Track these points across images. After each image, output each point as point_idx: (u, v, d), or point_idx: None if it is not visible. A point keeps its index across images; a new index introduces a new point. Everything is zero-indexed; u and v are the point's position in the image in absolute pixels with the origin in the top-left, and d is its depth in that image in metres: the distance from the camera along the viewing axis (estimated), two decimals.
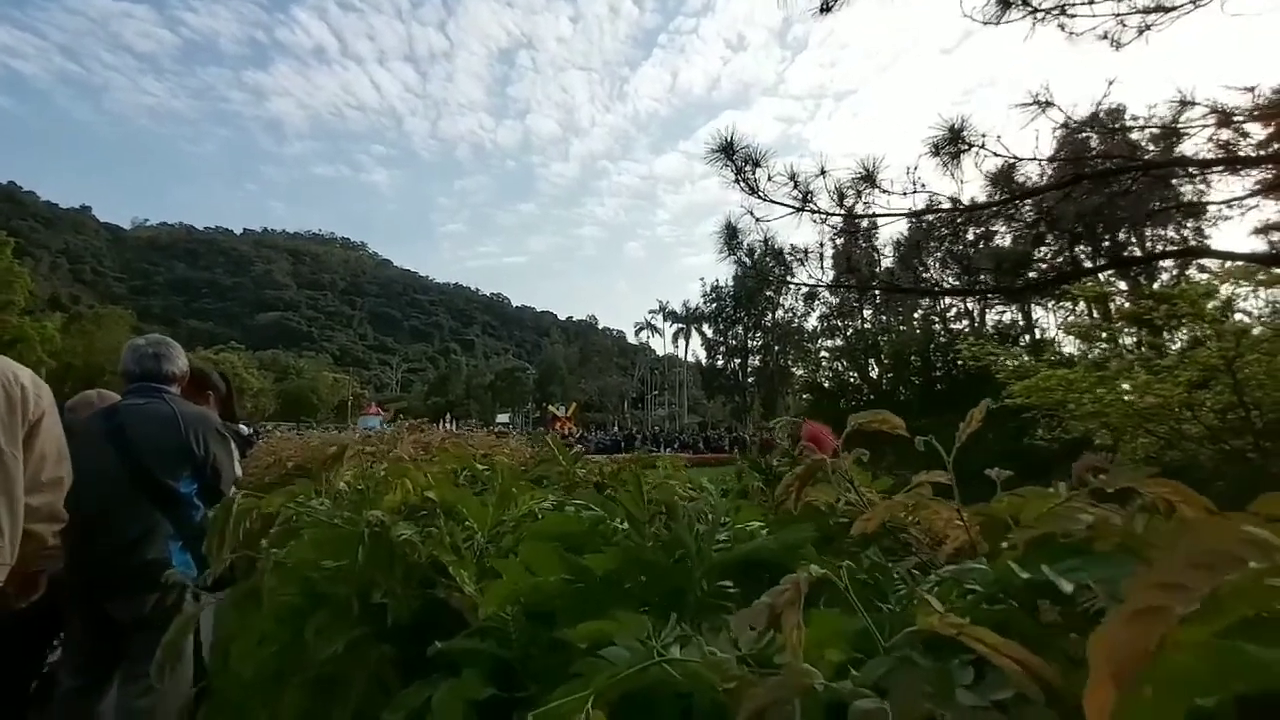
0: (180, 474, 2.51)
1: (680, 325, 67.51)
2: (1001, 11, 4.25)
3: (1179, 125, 4.26)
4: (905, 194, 3.96)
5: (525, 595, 0.76)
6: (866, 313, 43.58)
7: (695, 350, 62.45)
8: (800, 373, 49.89)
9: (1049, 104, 4.47)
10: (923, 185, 3.96)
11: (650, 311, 72.32)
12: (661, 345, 75.34)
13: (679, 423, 66.52)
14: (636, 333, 76.13)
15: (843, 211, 4.08)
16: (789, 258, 4.87)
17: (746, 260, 4.77)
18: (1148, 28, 4.12)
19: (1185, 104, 4.10)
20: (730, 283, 55.21)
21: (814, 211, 4.05)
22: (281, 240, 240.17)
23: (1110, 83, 4.53)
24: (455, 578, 0.88)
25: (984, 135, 3.87)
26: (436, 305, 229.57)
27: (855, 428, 0.89)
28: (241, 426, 3.46)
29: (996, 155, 3.88)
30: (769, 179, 3.96)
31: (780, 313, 52.45)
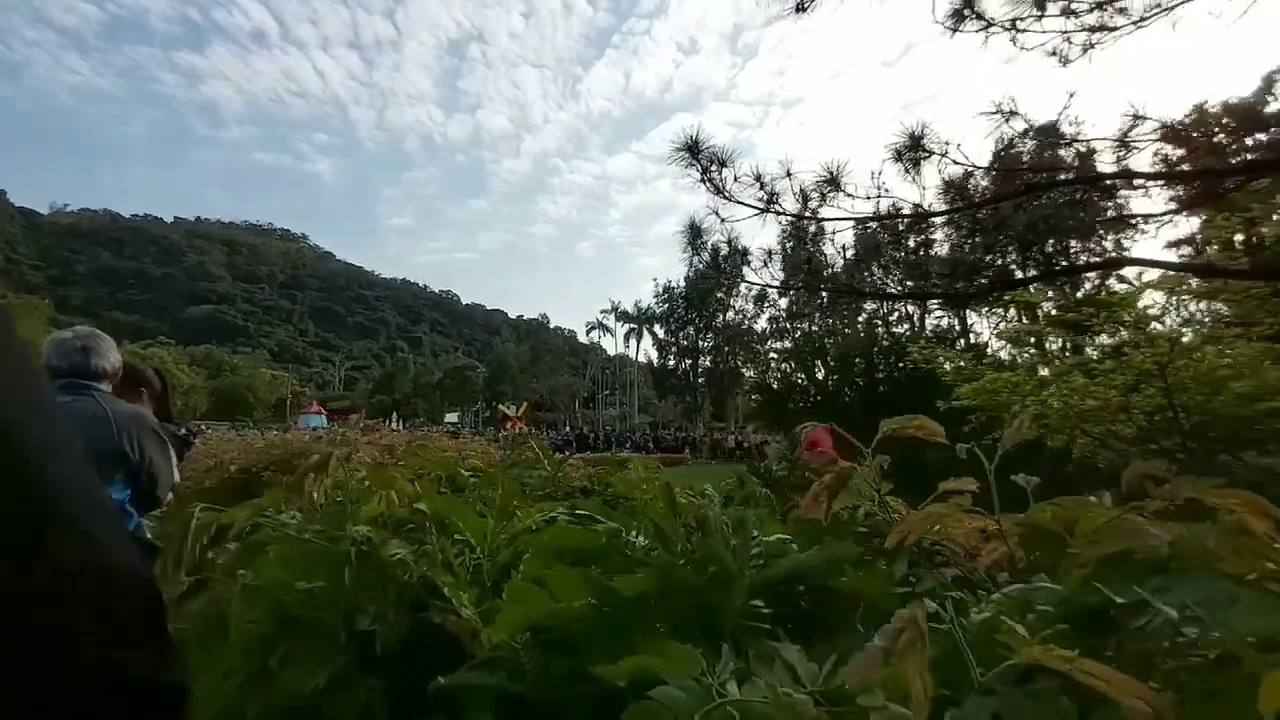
0: (112, 479, 2.30)
1: (632, 325, 67.62)
2: (957, 23, 4.37)
3: (1124, 139, 4.47)
4: (869, 198, 4.03)
5: (541, 621, 0.68)
6: (814, 316, 44.60)
7: (647, 350, 62.70)
8: (750, 374, 50.77)
9: (1012, 113, 4.61)
10: (886, 190, 4.03)
11: (602, 311, 72.16)
12: (613, 345, 75.31)
13: (630, 422, 66.56)
14: (588, 332, 75.81)
15: (808, 214, 4.11)
16: (753, 259, 4.85)
17: (709, 260, 4.75)
18: (1092, 46, 4.29)
19: (1137, 118, 4.30)
20: (682, 284, 55.64)
21: (779, 213, 4.06)
22: (216, 230, 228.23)
23: (1071, 94, 4.74)
24: (452, 600, 0.79)
25: (947, 144, 3.97)
26: (382, 301, 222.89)
27: (888, 434, 0.84)
28: (179, 428, 3.21)
29: (957, 164, 3.99)
30: (735, 179, 3.95)
31: (731, 314, 53.18)
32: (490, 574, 0.82)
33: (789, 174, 3.96)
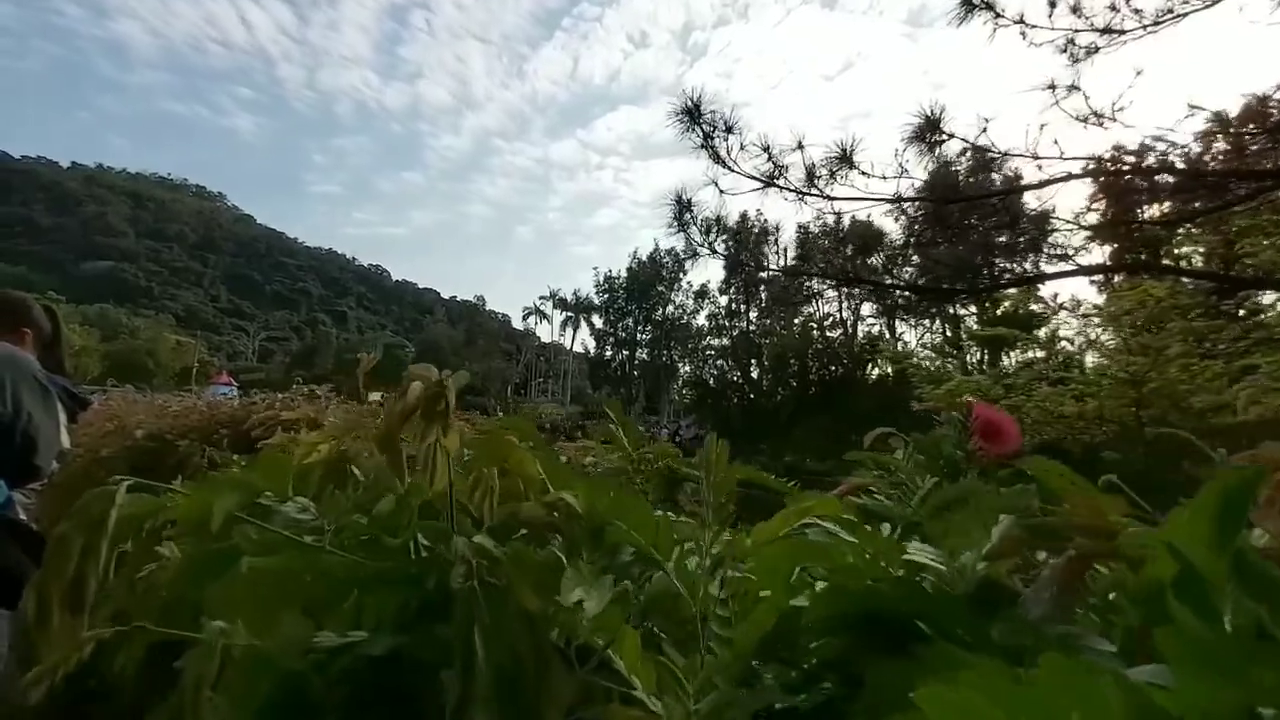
0: None
1: (569, 313, 66.87)
2: (966, 12, 4.22)
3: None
4: (885, 178, 3.80)
5: None
6: (752, 315, 45.37)
7: (584, 339, 62.13)
8: (686, 368, 51.17)
9: (940, 130, 4.50)
10: (906, 170, 3.83)
11: (541, 298, 71.04)
12: (549, 332, 74.25)
13: (563, 410, 65.87)
14: (524, 318, 74.45)
15: (816, 191, 3.84)
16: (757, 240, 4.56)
17: (697, 238, 4.42)
18: (1097, 49, 4.23)
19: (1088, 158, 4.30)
20: (624, 275, 55.38)
21: (786, 189, 3.77)
22: (120, 180, 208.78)
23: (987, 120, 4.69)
24: (637, 686, 0.40)
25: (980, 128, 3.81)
26: (305, 271, 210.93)
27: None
28: (74, 384, 2.57)
29: (986, 151, 3.85)
30: (741, 148, 3.63)
31: (671, 309, 53.34)
32: (730, 652, 0.43)
33: (800, 145, 3.68)
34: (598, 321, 58.44)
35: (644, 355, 54.47)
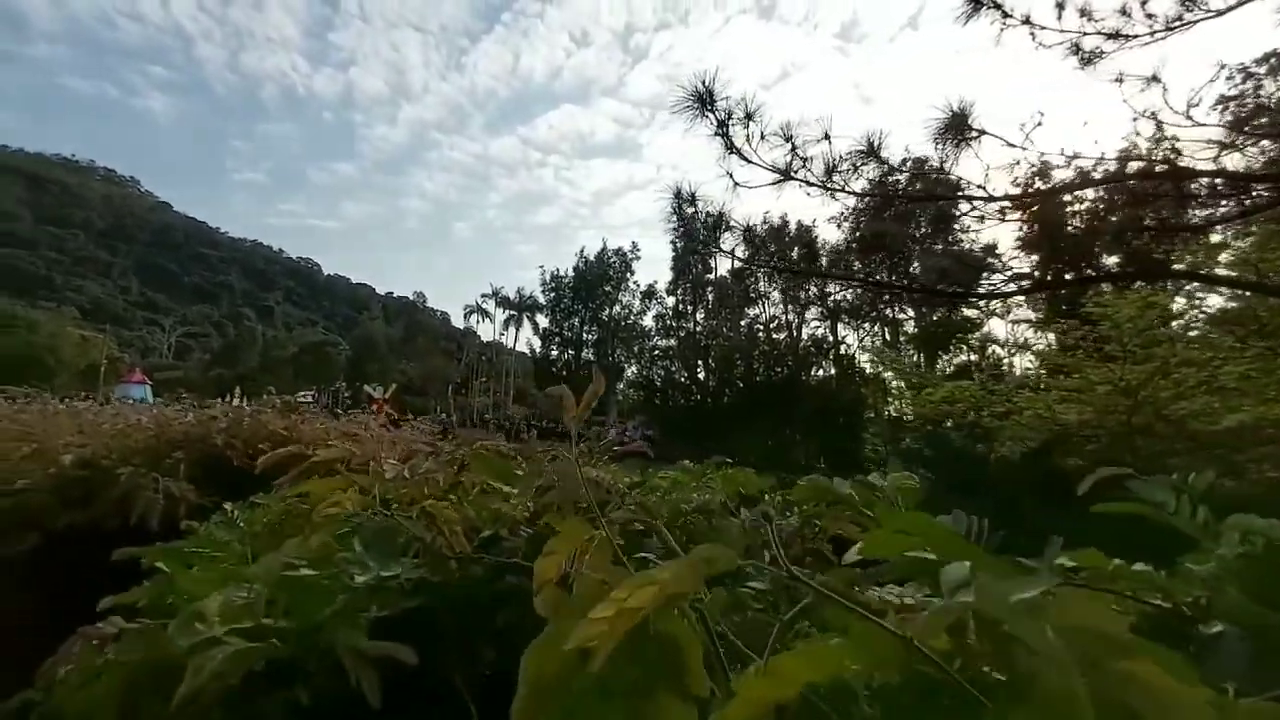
0: None
1: (512, 312, 65.65)
2: (974, 10, 4.16)
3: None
4: (910, 172, 3.67)
5: None
6: (699, 316, 45.69)
7: (529, 339, 61.11)
8: (633, 369, 51.03)
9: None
10: (935, 168, 3.70)
11: (482, 295, 69.44)
12: (490, 331, 72.68)
13: (504, 411, 64.56)
14: (466, 316, 72.50)
15: (837, 185, 3.66)
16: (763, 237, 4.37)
17: (701, 231, 4.16)
18: (1102, 54, 4.24)
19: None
20: (570, 274, 54.82)
21: (808, 183, 3.57)
22: (17, 160, 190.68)
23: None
24: None
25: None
26: (228, 263, 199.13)
27: None
28: None
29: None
30: (762, 137, 3.40)
31: (617, 308, 53.13)
32: None
33: (827, 136, 3.48)
34: (543, 321, 57.63)
35: (590, 355, 54.04)
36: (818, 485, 1.18)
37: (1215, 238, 6.29)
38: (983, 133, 3.65)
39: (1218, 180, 5.42)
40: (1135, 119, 4.34)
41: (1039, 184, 5.33)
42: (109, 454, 1.99)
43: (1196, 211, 6.30)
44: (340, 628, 0.68)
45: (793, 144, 3.45)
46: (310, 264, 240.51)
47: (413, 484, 1.02)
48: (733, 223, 4.17)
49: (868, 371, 37.86)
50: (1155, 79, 4.33)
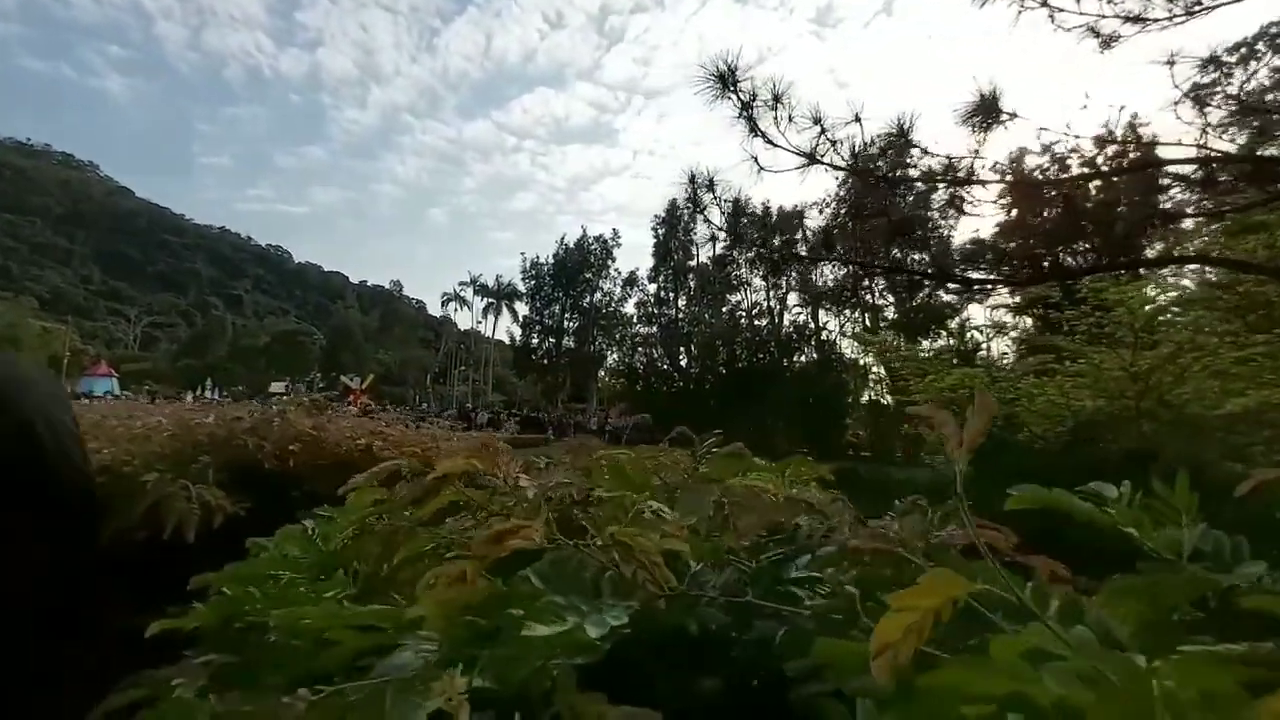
0: None
1: (491, 300, 64.88)
2: None
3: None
4: (942, 158, 3.58)
5: None
6: (681, 302, 45.59)
7: (509, 327, 60.47)
8: (614, 356, 50.80)
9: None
10: (976, 152, 3.62)
11: (460, 283, 68.45)
12: (468, 319, 71.77)
13: (484, 399, 64.05)
14: (444, 304, 71.48)
15: (874, 167, 3.57)
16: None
17: (720, 217, 4.03)
18: (1118, 37, 4.18)
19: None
20: (550, 261, 54.23)
21: (834, 167, 3.47)
22: None
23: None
24: None
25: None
26: (194, 250, 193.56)
27: None
28: None
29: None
30: (790, 119, 3.28)
31: (598, 296, 52.77)
32: None
33: (858, 118, 3.37)
34: (522, 308, 57.01)
35: (571, 343, 53.65)
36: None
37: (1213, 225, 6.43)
38: (1014, 115, 3.59)
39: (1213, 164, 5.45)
40: (1169, 106, 4.29)
41: (1055, 171, 5.34)
42: (130, 459, 1.82)
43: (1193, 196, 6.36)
44: (563, 691, 0.57)
45: (822, 127, 3.34)
46: (280, 251, 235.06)
47: (553, 504, 0.90)
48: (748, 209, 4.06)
49: (847, 357, 38.15)
50: (1172, 62, 4.30)
